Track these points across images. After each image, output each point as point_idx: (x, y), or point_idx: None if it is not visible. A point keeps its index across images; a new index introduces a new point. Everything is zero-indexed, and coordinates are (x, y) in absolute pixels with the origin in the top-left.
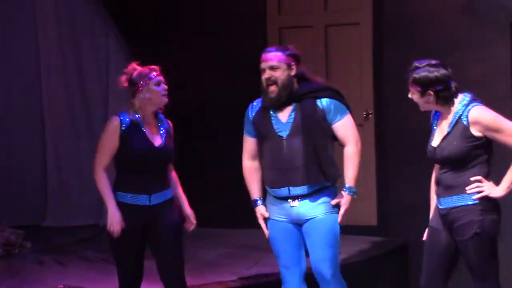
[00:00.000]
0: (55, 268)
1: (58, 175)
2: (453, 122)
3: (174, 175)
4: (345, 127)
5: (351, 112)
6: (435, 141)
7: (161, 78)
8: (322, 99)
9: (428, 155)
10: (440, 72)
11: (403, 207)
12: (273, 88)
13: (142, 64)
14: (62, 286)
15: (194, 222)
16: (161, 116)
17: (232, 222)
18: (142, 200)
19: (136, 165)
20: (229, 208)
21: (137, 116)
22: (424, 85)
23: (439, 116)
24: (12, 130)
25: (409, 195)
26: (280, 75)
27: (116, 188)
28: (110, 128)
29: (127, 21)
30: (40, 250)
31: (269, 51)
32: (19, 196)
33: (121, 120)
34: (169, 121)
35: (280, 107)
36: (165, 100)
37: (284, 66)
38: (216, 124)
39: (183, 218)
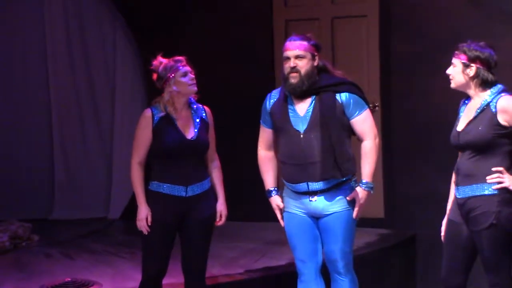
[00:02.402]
0: (63, 261)
1: (65, 169)
2: (481, 108)
3: (217, 165)
4: (363, 122)
5: (369, 107)
6: (460, 126)
7: (187, 68)
8: (342, 94)
9: (451, 140)
10: (491, 54)
11: (410, 200)
12: (295, 75)
13: (152, 57)
14: (69, 279)
15: (223, 220)
16: (195, 104)
17: (239, 216)
18: (178, 191)
19: (170, 157)
20: (235, 202)
21: (167, 110)
22: (471, 58)
23: (467, 104)
24: (19, 124)
25: (416, 187)
26: (305, 64)
27: (153, 178)
28: (142, 121)
29: (134, 15)
30: (47, 243)
31: (295, 40)
32: (27, 189)
33: (153, 112)
34: (205, 107)
35: (299, 97)
36: (194, 89)
37: (309, 55)
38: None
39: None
